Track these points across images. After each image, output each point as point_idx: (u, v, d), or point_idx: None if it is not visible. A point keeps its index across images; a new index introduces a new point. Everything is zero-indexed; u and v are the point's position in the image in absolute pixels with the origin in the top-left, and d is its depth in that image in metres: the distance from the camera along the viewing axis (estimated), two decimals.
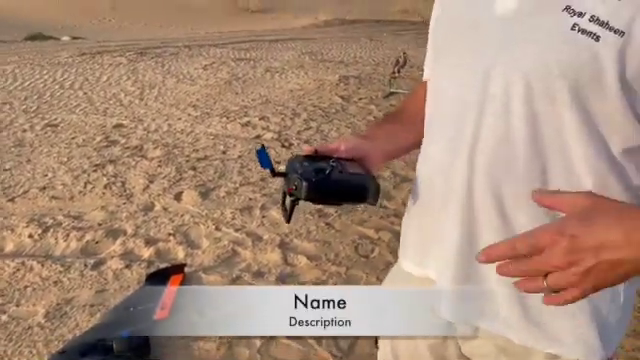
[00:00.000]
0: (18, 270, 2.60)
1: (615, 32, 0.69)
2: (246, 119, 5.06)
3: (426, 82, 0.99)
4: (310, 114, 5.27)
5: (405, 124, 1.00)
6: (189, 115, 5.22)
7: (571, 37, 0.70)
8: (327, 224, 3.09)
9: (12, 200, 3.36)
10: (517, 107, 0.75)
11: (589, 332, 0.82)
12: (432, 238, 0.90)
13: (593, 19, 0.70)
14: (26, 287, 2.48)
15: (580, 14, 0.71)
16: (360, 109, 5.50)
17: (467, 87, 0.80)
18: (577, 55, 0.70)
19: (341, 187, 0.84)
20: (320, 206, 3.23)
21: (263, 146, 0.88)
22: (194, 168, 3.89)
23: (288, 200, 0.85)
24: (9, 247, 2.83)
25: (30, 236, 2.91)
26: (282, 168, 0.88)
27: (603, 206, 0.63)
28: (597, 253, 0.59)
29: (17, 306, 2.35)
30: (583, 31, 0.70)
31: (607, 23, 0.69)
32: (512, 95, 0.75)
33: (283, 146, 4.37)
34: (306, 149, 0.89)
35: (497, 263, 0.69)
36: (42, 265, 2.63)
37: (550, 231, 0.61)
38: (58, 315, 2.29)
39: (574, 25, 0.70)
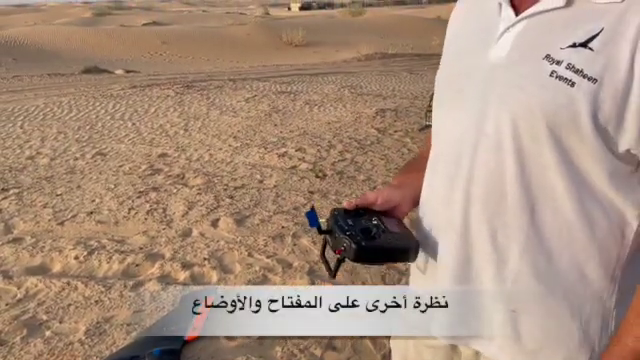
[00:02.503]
0: (63, 289, 2.77)
1: (589, 79, 0.76)
2: (283, 150, 5.22)
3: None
4: (345, 146, 5.39)
5: (423, 170, 1.08)
6: (229, 145, 5.43)
7: (550, 82, 0.78)
8: None
9: (62, 224, 3.59)
10: (507, 144, 0.83)
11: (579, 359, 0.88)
12: (432, 261, 0.98)
13: (569, 67, 0.77)
14: (69, 305, 2.64)
15: (558, 62, 0.79)
16: (395, 141, 5.59)
17: (464, 127, 0.89)
18: (555, 98, 0.78)
19: (388, 251, 0.92)
20: None
21: (313, 207, 0.96)
22: (231, 196, 4.05)
23: (330, 255, 0.92)
24: (57, 267, 3.02)
25: (76, 258, 3.10)
26: (323, 220, 0.97)
27: None
28: None
29: (60, 323, 2.51)
30: (560, 77, 0.78)
31: (582, 71, 0.77)
32: (503, 134, 0.83)
33: (317, 177, 4.49)
34: (347, 205, 0.98)
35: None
36: (85, 285, 2.80)
37: None
38: (97, 333, 2.44)
39: (552, 72, 0.79)
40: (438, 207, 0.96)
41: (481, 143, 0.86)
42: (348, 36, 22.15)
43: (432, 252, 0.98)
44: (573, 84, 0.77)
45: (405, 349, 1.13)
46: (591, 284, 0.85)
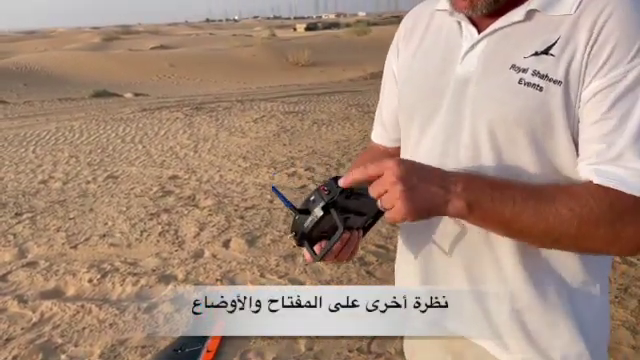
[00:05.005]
0: (78, 313, 2.79)
1: (554, 82, 0.82)
2: (292, 169, 5.26)
3: (375, 145, 1.16)
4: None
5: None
6: (239, 166, 5.47)
7: (520, 89, 0.84)
8: (368, 272, 3.16)
9: (75, 247, 3.62)
10: (485, 153, 0.88)
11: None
12: (430, 264, 0.99)
13: (535, 73, 0.83)
14: (84, 329, 2.66)
15: (524, 70, 0.84)
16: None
17: (441, 141, 0.92)
18: (527, 104, 0.83)
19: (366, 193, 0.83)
20: (361, 253, 3.30)
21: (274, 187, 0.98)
22: (242, 217, 4.07)
23: (315, 216, 0.85)
24: (71, 291, 3.05)
25: (90, 281, 3.13)
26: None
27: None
28: (416, 181, 0.77)
29: (75, 346, 2.52)
30: (528, 84, 0.83)
31: (547, 75, 0.82)
32: (480, 141, 0.88)
33: None
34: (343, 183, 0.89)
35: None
36: (100, 308, 2.82)
37: (393, 160, 0.78)
38: (112, 356, 2.44)
39: (520, 79, 0.84)
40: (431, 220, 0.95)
41: (462, 154, 0.90)
42: (354, 55, 22.34)
43: (424, 263, 0.99)
44: (541, 89, 0.82)
45: (412, 349, 1.15)
46: (578, 275, 0.90)
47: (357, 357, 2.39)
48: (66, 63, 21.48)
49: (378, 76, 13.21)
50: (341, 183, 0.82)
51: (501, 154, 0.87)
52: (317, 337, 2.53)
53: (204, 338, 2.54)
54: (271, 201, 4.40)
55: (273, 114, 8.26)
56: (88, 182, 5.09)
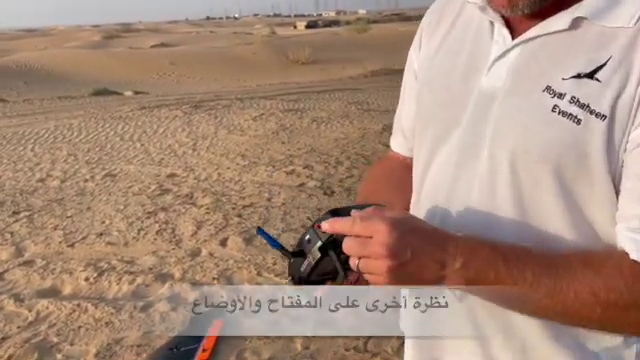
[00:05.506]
0: (74, 311, 2.78)
1: (597, 116, 0.66)
2: (291, 167, 5.24)
3: (394, 155, 1.03)
4: (353, 162, 5.40)
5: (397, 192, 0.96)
6: (237, 164, 5.46)
7: (552, 119, 0.68)
8: None
9: (72, 245, 3.61)
10: (502, 190, 0.73)
11: None
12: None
13: (573, 101, 0.67)
14: (80, 327, 2.65)
15: (560, 95, 0.68)
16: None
17: (456, 164, 0.78)
18: (558, 137, 0.68)
19: None
20: None
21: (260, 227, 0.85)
22: (240, 215, 4.06)
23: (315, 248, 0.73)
24: (67, 290, 3.04)
25: (86, 279, 3.12)
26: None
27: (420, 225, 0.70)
28: (413, 255, 0.65)
29: (71, 345, 2.51)
30: (564, 113, 0.68)
31: (588, 106, 0.67)
32: (498, 176, 0.73)
33: (325, 194, 4.49)
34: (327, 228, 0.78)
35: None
36: (96, 307, 2.81)
37: (384, 223, 0.65)
38: (108, 355, 2.44)
39: (554, 106, 0.68)
40: None
41: (474, 186, 0.76)
42: (354, 53, 22.31)
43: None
44: (579, 121, 0.67)
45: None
46: (605, 335, 0.76)
47: (354, 356, 2.38)
48: (66, 61, 21.47)
49: (378, 74, 13.19)
50: (324, 228, 0.70)
51: (521, 195, 0.72)
52: (313, 336, 2.52)
53: (200, 337, 2.53)
54: (269, 199, 4.39)
55: (272, 112, 8.25)
56: (86, 180, 5.08)
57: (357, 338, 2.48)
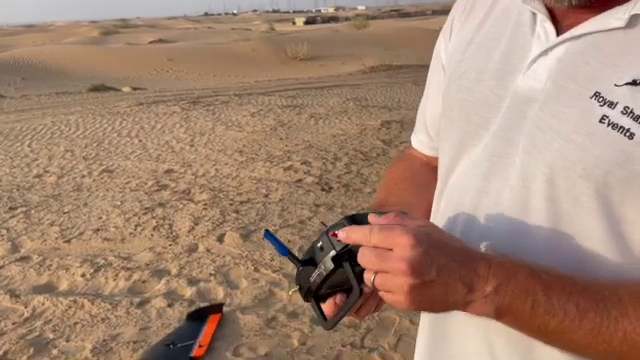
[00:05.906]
0: (70, 307, 2.77)
1: None
2: (289, 163, 5.23)
3: (414, 153, 0.94)
4: (351, 158, 5.38)
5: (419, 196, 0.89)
6: (235, 160, 5.44)
7: (600, 131, 0.59)
8: None
9: (68, 241, 3.60)
10: (537, 204, 0.64)
11: None
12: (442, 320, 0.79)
13: (626, 111, 0.58)
14: (76, 324, 2.64)
15: (611, 104, 0.59)
16: (401, 153, 5.58)
17: (484, 174, 0.70)
18: (606, 153, 0.59)
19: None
20: None
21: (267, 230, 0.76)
22: (237, 211, 4.04)
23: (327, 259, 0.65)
24: (63, 286, 3.03)
25: (83, 275, 3.11)
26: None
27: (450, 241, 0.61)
28: (438, 273, 0.57)
29: (67, 341, 2.50)
30: (614, 125, 0.59)
31: None
32: (532, 189, 0.65)
33: (323, 190, 4.48)
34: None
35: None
36: (92, 303, 2.80)
37: (407, 235, 0.57)
38: (104, 351, 2.43)
39: (603, 117, 0.59)
40: None
41: (504, 197, 0.67)
42: (353, 49, 22.25)
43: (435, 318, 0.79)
44: (632, 135, 0.58)
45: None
46: None
47: (350, 352, 2.38)
48: (64, 57, 21.39)
49: (377, 70, 13.15)
50: (340, 237, 0.62)
51: (558, 212, 0.63)
52: (310, 332, 2.52)
53: (196, 332, 2.52)
54: (266, 195, 4.38)
55: (270, 108, 8.23)
56: (83, 176, 5.06)
57: (354, 334, 2.48)
